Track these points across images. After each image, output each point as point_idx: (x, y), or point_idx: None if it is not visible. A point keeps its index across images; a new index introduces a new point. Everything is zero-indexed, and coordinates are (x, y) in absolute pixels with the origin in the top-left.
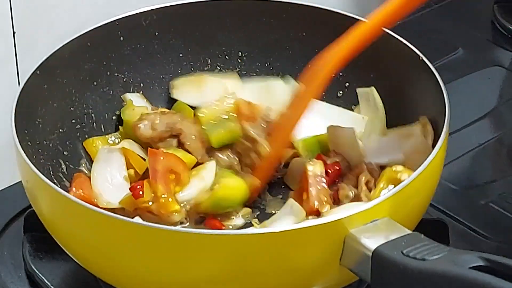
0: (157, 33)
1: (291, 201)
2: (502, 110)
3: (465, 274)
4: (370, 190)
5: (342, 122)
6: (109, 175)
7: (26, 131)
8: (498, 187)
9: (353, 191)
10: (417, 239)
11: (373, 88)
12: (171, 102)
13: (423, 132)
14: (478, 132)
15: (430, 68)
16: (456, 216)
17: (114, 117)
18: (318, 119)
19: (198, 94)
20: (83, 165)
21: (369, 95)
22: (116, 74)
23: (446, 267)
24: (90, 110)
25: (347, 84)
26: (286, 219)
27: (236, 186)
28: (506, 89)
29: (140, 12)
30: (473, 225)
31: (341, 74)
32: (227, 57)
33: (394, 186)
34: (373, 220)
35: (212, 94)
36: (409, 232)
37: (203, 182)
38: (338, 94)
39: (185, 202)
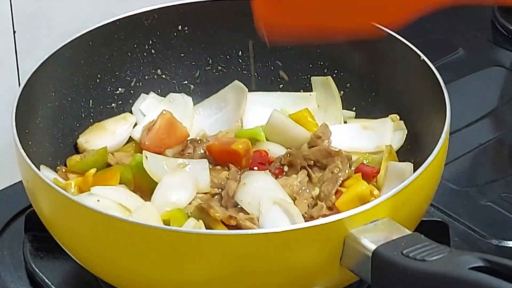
0: (158, 33)
1: None
2: (503, 110)
3: (465, 275)
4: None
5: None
6: None
7: (26, 131)
8: (498, 187)
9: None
10: (417, 239)
11: (329, 77)
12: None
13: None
14: (479, 132)
15: (430, 68)
16: (457, 216)
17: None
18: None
19: (110, 137)
20: None
21: (325, 84)
22: (117, 74)
23: (446, 268)
24: (90, 110)
25: (348, 84)
26: None
27: None
28: (507, 89)
29: (141, 12)
30: (474, 225)
31: (342, 74)
32: (228, 56)
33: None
34: (373, 221)
35: (122, 131)
36: (409, 232)
37: None
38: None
39: None
